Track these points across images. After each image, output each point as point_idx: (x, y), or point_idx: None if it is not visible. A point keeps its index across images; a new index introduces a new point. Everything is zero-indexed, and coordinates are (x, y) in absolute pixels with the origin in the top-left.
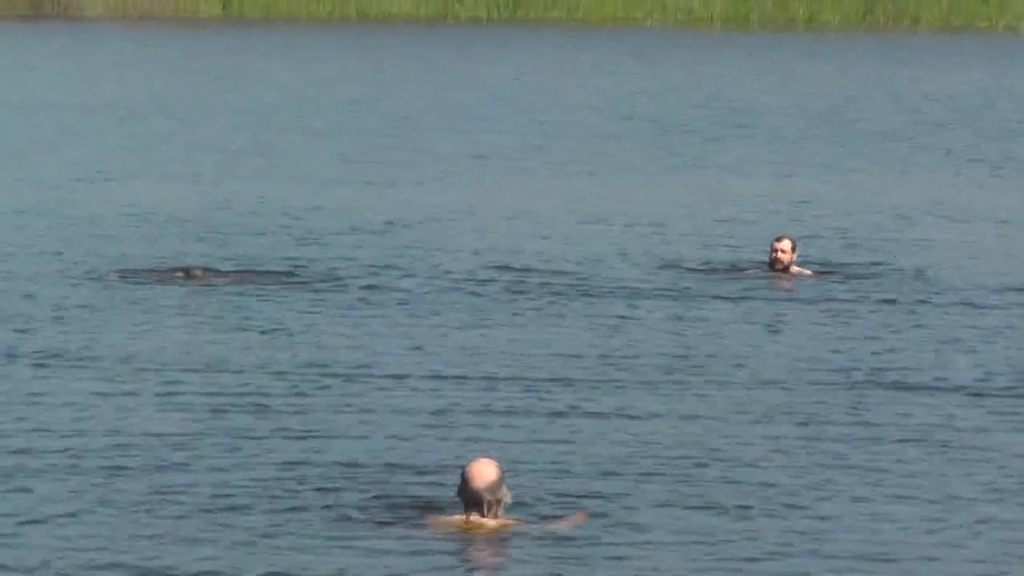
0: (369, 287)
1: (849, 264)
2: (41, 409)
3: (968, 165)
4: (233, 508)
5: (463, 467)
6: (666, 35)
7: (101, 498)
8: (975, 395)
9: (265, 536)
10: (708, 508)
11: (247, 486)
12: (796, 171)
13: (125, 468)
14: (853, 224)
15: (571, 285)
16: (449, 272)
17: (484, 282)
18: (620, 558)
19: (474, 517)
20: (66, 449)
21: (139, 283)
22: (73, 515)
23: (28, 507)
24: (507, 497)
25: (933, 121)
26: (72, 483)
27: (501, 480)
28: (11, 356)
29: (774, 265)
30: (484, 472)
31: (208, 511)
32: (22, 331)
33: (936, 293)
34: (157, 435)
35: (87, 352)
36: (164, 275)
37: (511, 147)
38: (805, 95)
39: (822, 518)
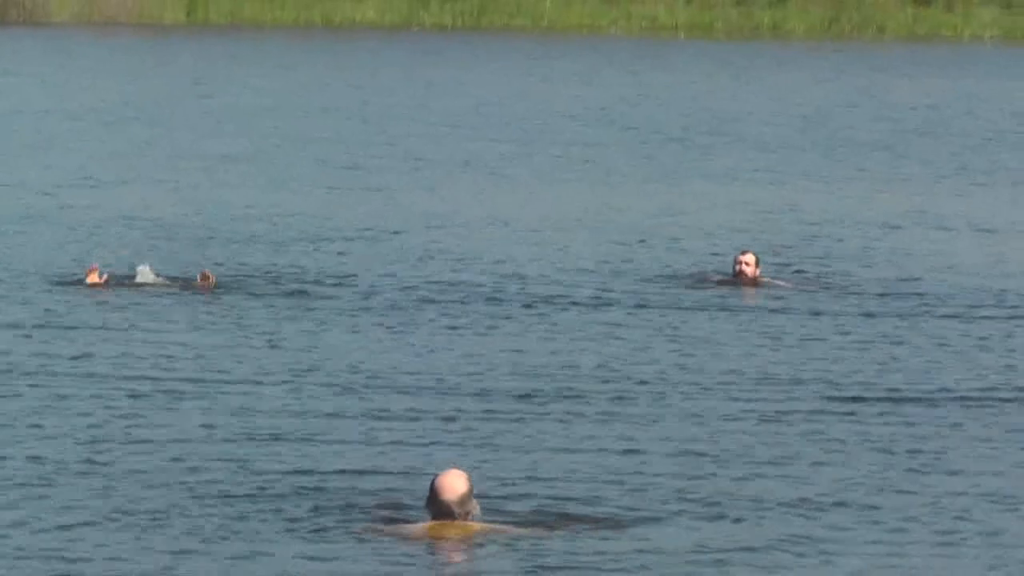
0: (345, 294)
1: (825, 273)
2: (31, 417)
3: (944, 174)
4: (211, 516)
5: (432, 479)
6: (632, 43)
7: (93, 506)
8: (951, 402)
9: (230, 540)
10: (682, 516)
11: (225, 493)
12: (774, 179)
13: (114, 474)
14: (827, 233)
15: (542, 294)
16: (428, 280)
17: (463, 291)
18: (586, 567)
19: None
20: (54, 458)
21: (124, 288)
22: (67, 527)
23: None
24: (476, 510)
25: (908, 129)
26: (66, 491)
27: (471, 492)
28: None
29: (738, 277)
30: (454, 484)
31: (178, 517)
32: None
33: (906, 302)
34: (138, 442)
35: (72, 360)
36: (160, 282)
37: (493, 154)
38: (779, 103)
39: (784, 529)
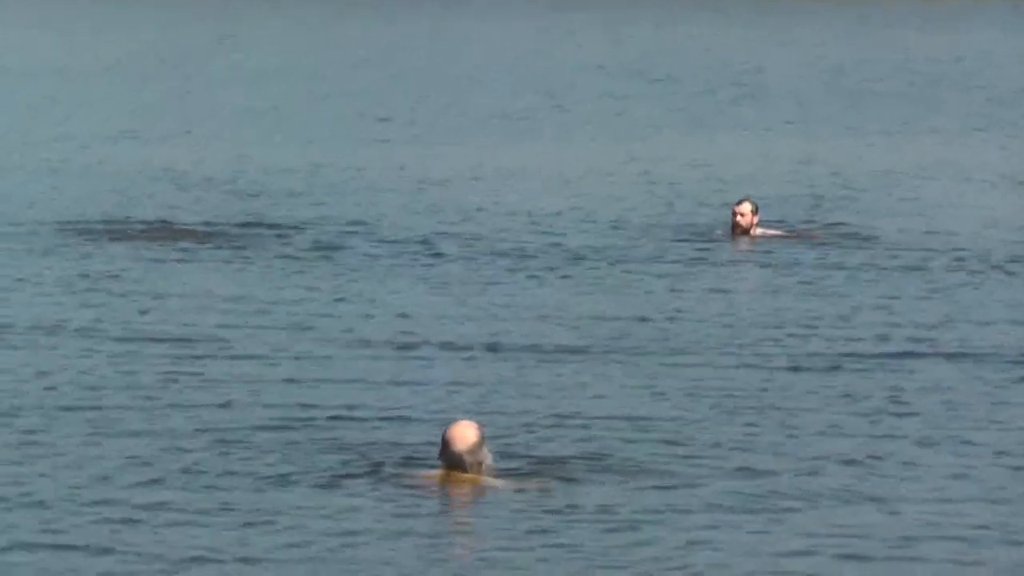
0: (369, 245)
1: (835, 224)
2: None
3: (973, 126)
4: (226, 473)
5: (444, 429)
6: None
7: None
8: (952, 358)
9: (247, 491)
10: (681, 475)
11: (234, 446)
12: (797, 131)
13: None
14: (848, 184)
15: (564, 247)
16: (458, 233)
17: (490, 243)
18: (596, 518)
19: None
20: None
21: (158, 241)
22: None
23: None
24: (488, 459)
25: (933, 82)
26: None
27: (482, 442)
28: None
29: (734, 229)
30: (465, 434)
31: (198, 466)
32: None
33: (899, 255)
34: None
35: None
36: (178, 233)
37: (522, 107)
38: (803, 56)
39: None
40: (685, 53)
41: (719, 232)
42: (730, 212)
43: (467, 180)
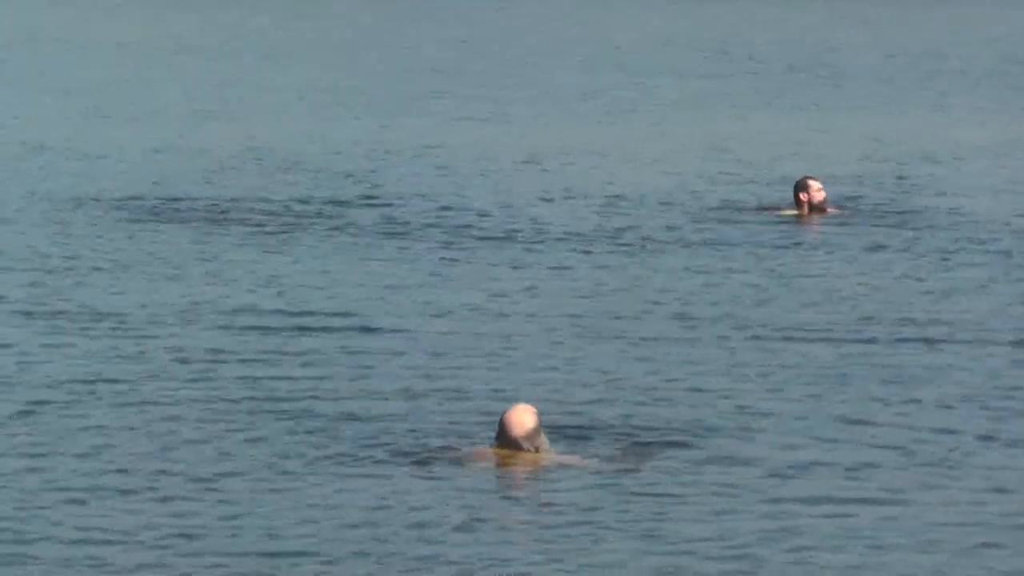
0: (434, 225)
1: (893, 205)
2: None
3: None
4: (277, 455)
5: (501, 414)
6: None
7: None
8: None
9: (302, 476)
10: (733, 458)
11: (280, 427)
12: (872, 111)
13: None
14: (918, 162)
15: (629, 228)
16: (531, 214)
17: (565, 224)
18: (653, 496)
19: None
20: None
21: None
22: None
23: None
24: (544, 444)
25: (1011, 60)
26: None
27: (538, 427)
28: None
29: (801, 206)
30: (523, 420)
31: (262, 442)
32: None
33: (957, 237)
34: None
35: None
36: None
37: (601, 85)
38: (878, 37)
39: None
40: (763, 33)
41: (783, 212)
42: (796, 188)
43: (552, 158)
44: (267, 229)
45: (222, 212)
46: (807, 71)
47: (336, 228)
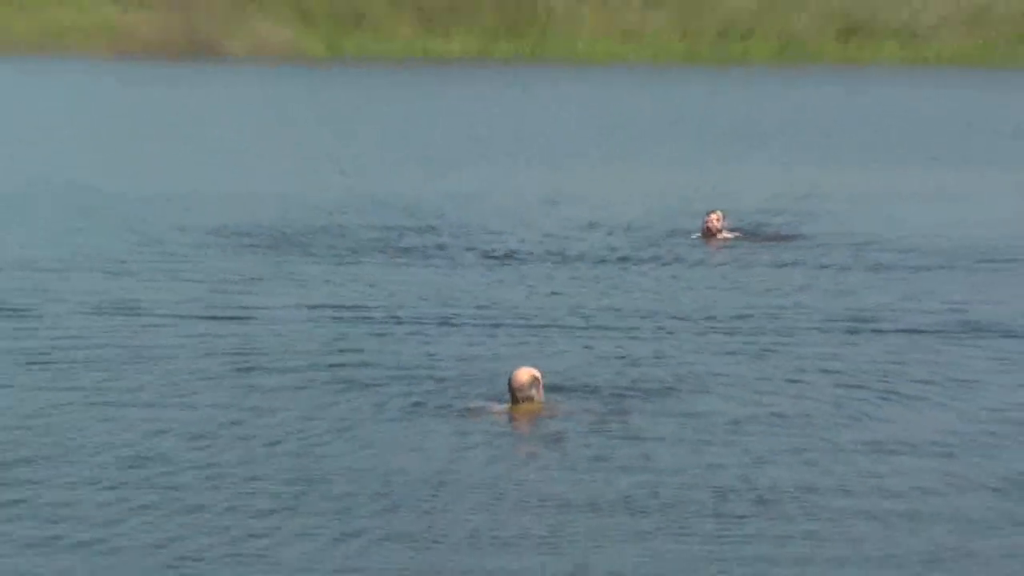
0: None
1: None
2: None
3: (915, 160)
4: (326, 405)
5: (510, 372)
6: (649, 70)
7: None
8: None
9: (343, 431)
10: (690, 407)
11: (332, 391)
12: (788, 169)
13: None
14: (798, 201)
15: (587, 251)
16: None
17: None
18: (628, 435)
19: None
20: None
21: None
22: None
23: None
24: (539, 396)
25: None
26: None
27: (535, 381)
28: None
29: (707, 233)
30: (519, 377)
31: (307, 400)
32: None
33: (831, 252)
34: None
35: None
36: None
37: (591, 149)
38: (793, 116)
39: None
40: (707, 108)
41: (694, 236)
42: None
43: (545, 200)
44: (353, 251)
45: (331, 239)
46: (729, 135)
47: (401, 248)
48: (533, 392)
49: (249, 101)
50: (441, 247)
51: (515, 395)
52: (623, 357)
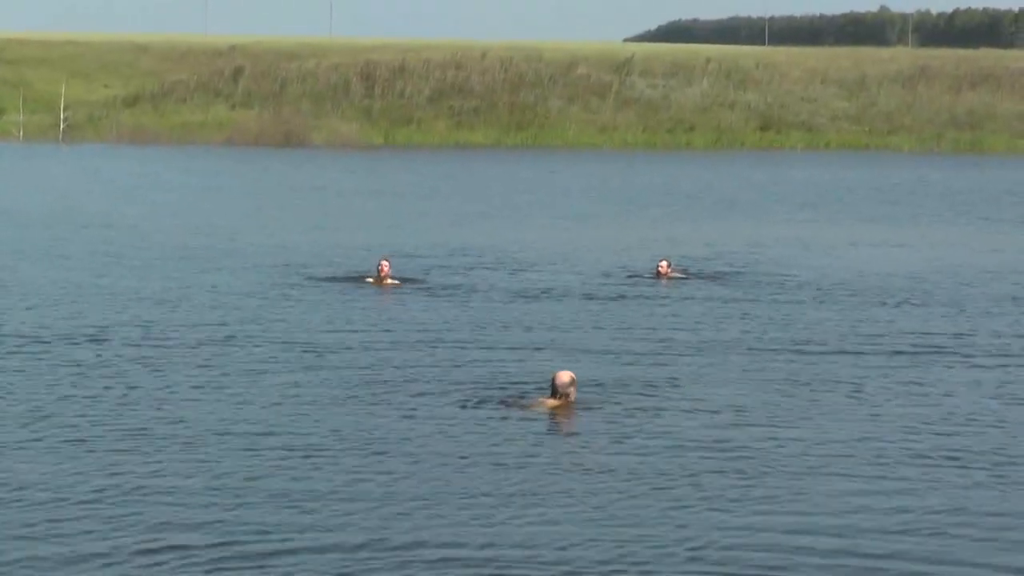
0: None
1: (714, 271)
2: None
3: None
4: (377, 402)
5: (552, 374)
6: (622, 155)
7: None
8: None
9: (404, 418)
10: (671, 401)
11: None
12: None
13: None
14: (725, 251)
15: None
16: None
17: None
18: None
19: (553, 401)
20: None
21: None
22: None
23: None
24: (573, 396)
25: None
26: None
27: (572, 382)
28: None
29: (659, 275)
30: (561, 376)
31: (347, 396)
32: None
33: (756, 290)
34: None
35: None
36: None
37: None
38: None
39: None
40: (654, 183)
41: (647, 275)
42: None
43: (526, 251)
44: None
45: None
46: (679, 201)
47: (415, 280)
48: (571, 390)
49: (328, 178)
50: (458, 287)
51: (556, 391)
52: (621, 364)
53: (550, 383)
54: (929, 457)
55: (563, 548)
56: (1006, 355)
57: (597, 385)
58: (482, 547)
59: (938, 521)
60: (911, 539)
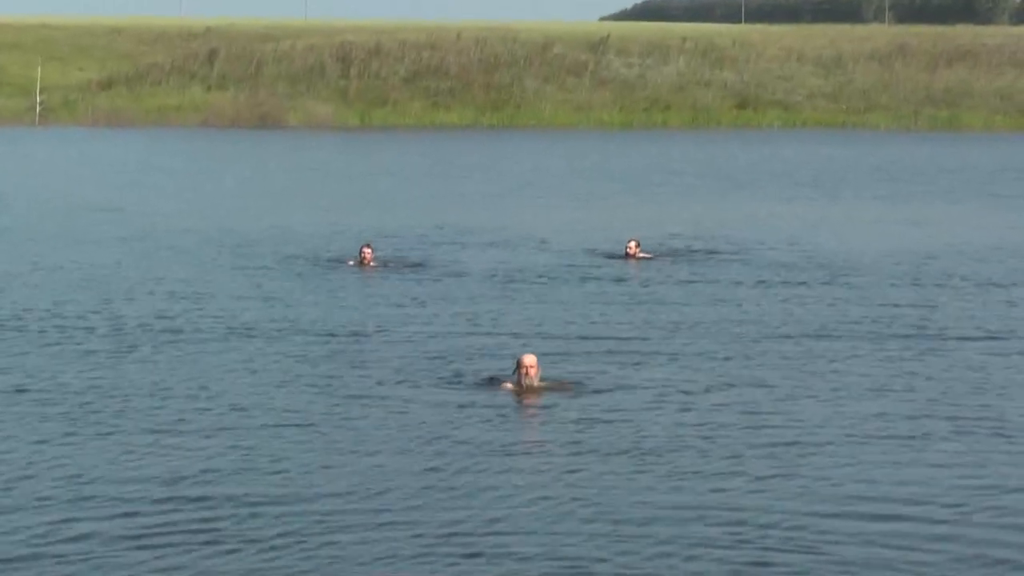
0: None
1: (682, 251)
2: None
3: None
4: (378, 395)
5: (518, 356)
6: (603, 134)
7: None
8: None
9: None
10: (635, 381)
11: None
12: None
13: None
14: (693, 230)
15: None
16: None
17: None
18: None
19: (518, 383)
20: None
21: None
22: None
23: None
24: (536, 377)
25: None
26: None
27: (536, 365)
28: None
29: (627, 255)
30: (526, 359)
31: (349, 381)
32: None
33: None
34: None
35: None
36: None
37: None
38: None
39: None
40: (629, 163)
41: (616, 255)
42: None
43: (510, 231)
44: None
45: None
46: (653, 181)
47: (413, 265)
48: (535, 372)
49: (304, 160)
50: (430, 265)
51: (521, 373)
52: (587, 344)
53: (514, 365)
54: (896, 438)
55: (529, 532)
56: (983, 337)
57: (564, 365)
58: (441, 527)
59: (909, 497)
60: (892, 525)
